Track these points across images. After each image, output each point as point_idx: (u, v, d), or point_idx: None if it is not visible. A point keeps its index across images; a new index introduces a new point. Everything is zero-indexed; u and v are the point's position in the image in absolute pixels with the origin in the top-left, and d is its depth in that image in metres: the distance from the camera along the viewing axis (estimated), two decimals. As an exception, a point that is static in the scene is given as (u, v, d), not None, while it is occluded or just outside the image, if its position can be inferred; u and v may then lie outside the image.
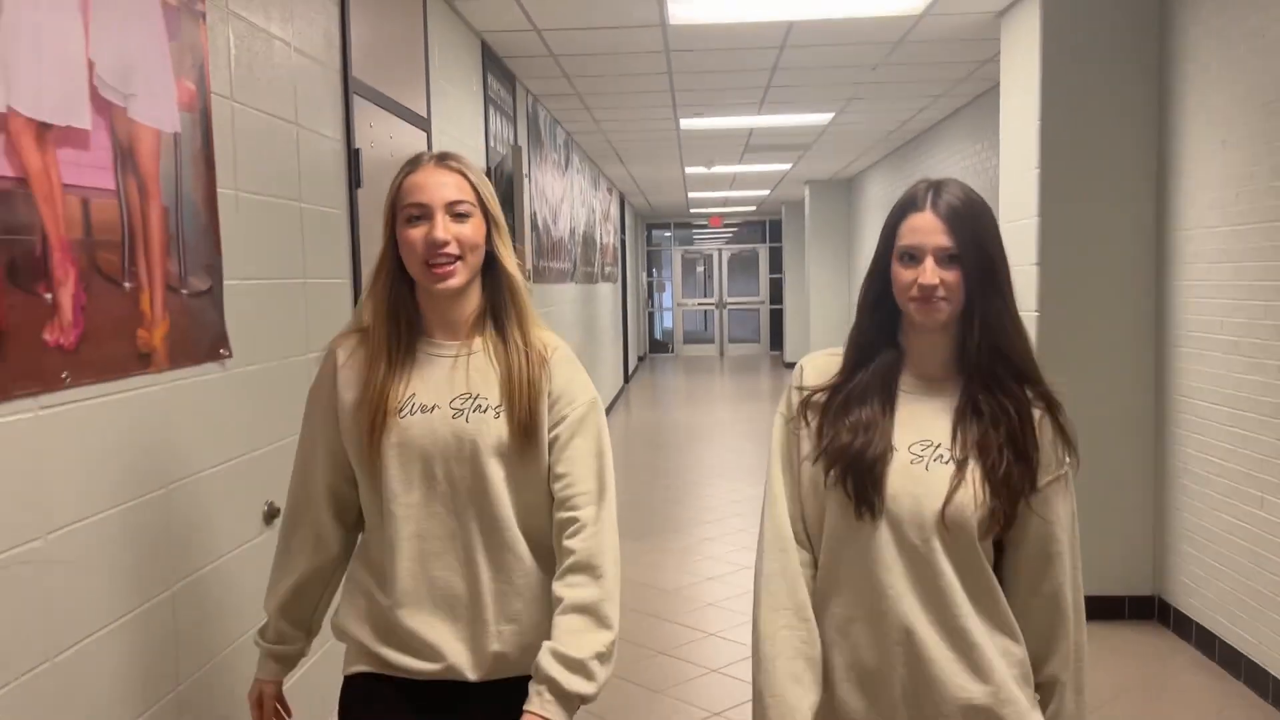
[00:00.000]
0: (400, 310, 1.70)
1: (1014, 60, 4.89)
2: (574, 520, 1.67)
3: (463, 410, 1.68)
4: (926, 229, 1.52)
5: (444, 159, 1.70)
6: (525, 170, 6.25)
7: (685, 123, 8.26)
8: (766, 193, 15.55)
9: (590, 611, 1.63)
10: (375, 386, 1.67)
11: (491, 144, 5.51)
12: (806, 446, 1.61)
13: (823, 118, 8.20)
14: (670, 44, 5.58)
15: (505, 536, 1.68)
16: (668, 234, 21.30)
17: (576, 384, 1.74)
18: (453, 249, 1.65)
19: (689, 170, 11.89)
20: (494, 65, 5.64)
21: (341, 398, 1.72)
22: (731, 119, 8.19)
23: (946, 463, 1.53)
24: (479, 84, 5.29)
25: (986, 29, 5.23)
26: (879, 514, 1.53)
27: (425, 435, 1.67)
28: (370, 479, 1.70)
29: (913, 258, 1.53)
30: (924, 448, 1.55)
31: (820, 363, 1.68)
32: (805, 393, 1.64)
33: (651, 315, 21.15)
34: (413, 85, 4.02)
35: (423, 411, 1.68)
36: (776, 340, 19.79)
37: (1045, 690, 1.58)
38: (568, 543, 1.67)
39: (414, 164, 1.70)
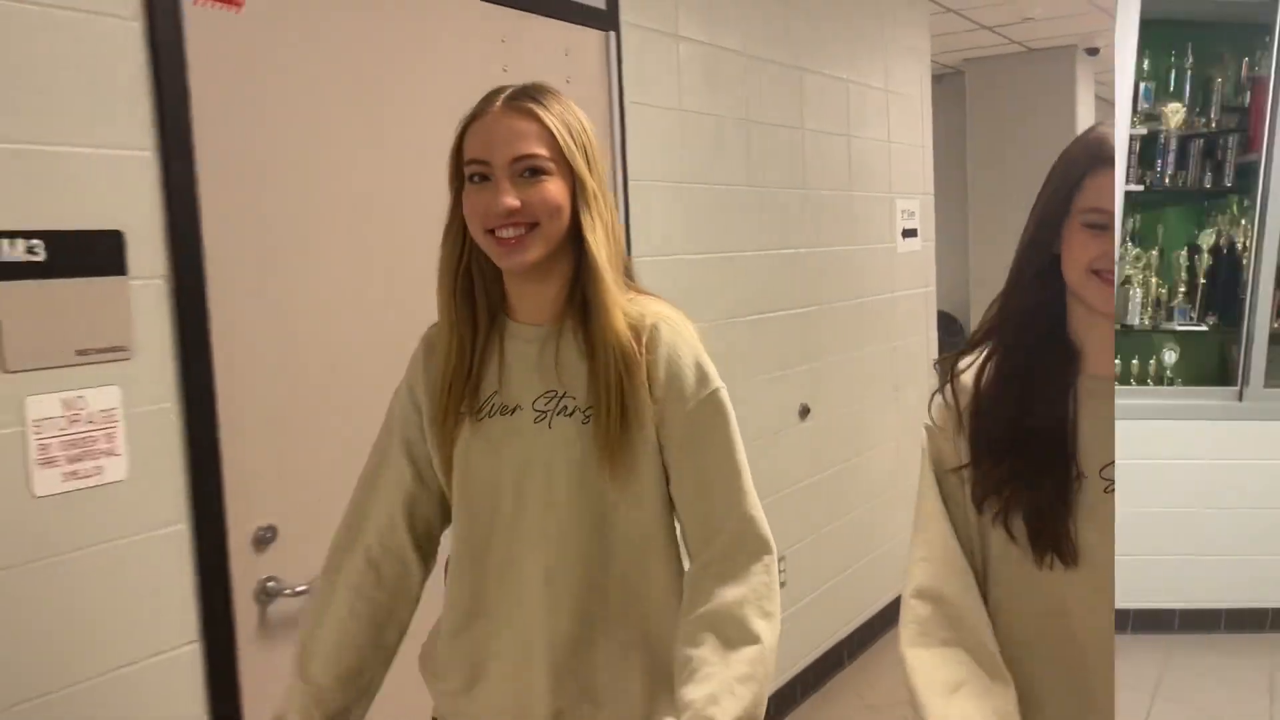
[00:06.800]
0: (475, 284, 1.33)
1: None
2: (711, 567, 1.27)
3: (545, 413, 1.28)
4: None
5: (517, 97, 1.29)
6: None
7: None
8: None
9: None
10: (445, 380, 1.31)
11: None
12: (960, 451, 1.26)
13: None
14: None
15: (584, 599, 1.28)
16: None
17: (687, 364, 1.29)
18: (522, 215, 1.24)
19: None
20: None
21: (420, 398, 1.38)
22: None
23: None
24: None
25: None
26: (1071, 561, 1.17)
27: (495, 446, 1.29)
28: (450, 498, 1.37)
29: (1104, 227, 1.17)
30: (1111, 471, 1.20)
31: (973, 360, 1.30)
32: (955, 374, 1.28)
33: None
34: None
35: (503, 414, 1.30)
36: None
37: None
38: (713, 586, 1.26)
39: (481, 105, 1.31)
